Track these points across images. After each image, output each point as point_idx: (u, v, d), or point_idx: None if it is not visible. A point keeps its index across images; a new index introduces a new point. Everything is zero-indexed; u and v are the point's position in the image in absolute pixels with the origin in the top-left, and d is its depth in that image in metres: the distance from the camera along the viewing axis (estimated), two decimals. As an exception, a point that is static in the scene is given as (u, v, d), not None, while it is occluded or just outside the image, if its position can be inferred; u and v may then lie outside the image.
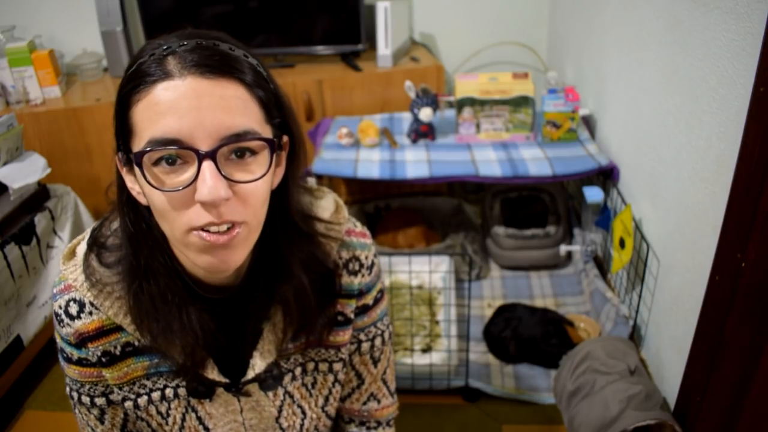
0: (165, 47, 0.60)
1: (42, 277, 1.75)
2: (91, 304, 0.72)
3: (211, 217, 0.60)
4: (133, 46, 2.33)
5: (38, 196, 1.78)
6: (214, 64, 0.59)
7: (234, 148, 0.60)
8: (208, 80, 0.59)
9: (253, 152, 0.62)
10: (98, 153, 2.16)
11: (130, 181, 0.66)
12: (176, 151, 0.59)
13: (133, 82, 0.60)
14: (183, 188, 0.59)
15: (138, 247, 0.68)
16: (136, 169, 0.61)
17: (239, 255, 0.65)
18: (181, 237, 0.62)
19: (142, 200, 0.66)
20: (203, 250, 0.63)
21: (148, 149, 0.58)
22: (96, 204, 2.08)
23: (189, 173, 0.60)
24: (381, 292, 0.87)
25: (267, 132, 0.64)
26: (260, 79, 0.64)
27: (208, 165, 0.58)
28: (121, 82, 0.62)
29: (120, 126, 0.63)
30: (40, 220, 1.74)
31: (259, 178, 0.62)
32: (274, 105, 0.66)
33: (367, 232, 0.84)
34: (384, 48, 2.24)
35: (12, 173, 1.67)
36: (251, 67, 0.63)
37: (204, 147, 0.58)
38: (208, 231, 0.62)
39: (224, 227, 0.62)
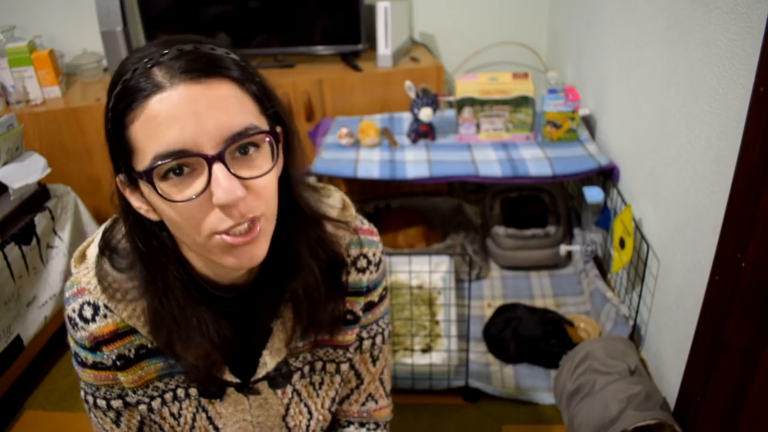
0: (147, 59, 0.59)
1: (42, 277, 1.75)
2: (105, 306, 0.72)
3: (233, 220, 0.61)
4: (133, 46, 2.33)
5: (38, 196, 1.78)
6: (201, 68, 0.59)
7: (238, 145, 0.61)
8: (199, 84, 0.58)
9: (256, 146, 0.62)
10: (98, 153, 2.16)
11: (136, 201, 0.65)
12: (185, 160, 0.59)
13: (125, 101, 0.59)
14: (197, 196, 0.59)
15: (152, 265, 0.68)
16: (144, 187, 0.61)
17: (263, 248, 0.65)
18: (204, 243, 0.63)
19: (153, 216, 0.66)
20: (227, 252, 0.63)
21: (157, 164, 0.58)
22: (96, 204, 2.08)
23: (200, 180, 0.60)
24: (386, 289, 0.88)
25: (264, 124, 0.64)
26: (247, 73, 0.64)
27: (219, 168, 0.58)
28: (110, 103, 0.61)
29: (117, 147, 0.62)
30: (40, 220, 1.74)
31: (267, 172, 0.63)
32: (265, 96, 0.66)
33: (374, 229, 0.86)
34: (384, 48, 2.24)
35: (12, 173, 1.67)
36: (236, 63, 0.63)
37: (210, 151, 0.58)
38: (230, 234, 0.62)
39: (245, 227, 0.62)
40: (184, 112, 0.57)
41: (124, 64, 0.62)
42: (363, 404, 0.92)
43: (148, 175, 0.59)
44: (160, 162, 0.58)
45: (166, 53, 0.59)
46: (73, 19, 2.41)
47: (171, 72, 0.58)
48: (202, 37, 0.64)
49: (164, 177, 0.59)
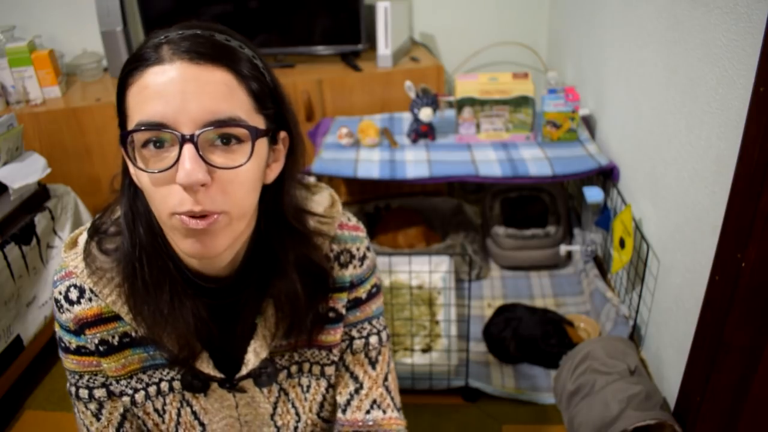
0: (164, 36, 0.62)
1: (42, 277, 1.75)
2: (91, 290, 0.73)
3: (191, 205, 0.61)
4: (132, 46, 2.33)
5: (38, 196, 1.78)
6: (203, 51, 0.60)
7: (218, 133, 0.61)
8: (196, 66, 0.60)
9: (240, 140, 0.62)
10: (98, 153, 2.16)
11: (132, 167, 0.67)
12: (158, 133, 0.60)
13: (130, 66, 0.62)
14: (163, 170, 0.60)
15: (134, 228, 0.69)
16: (129, 150, 0.62)
17: (221, 241, 0.64)
18: (165, 220, 0.64)
19: None
20: (186, 234, 0.63)
21: (135, 129, 0.60)
22: (96, 204, 2.08)
23: (172, 157, 0.60)
24: (376, 287, 0.86)
25: (257, 121, 0.64)
26: (254, 70, 0.64)
27: (188, 148, 0.59)
28: (122, 67, 0.64)
29: (119, 110, 0.64)
30: (40, 220, 1.74)
31: (239, 166, 0.62)
32: (268, 96, 0.66)
33: (361, 226, 0.85)
34: (384, 48, 2.24)
35: (12, 173, 1.67)
36: (246, 58, 0.64)
37: (186, 131, 0.59)
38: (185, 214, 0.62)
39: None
40: (173, 88, 0.59)
41: (148, 36, 0.64)
42: (368, 412, 0.86)
43: (124, 138, 0.62)
44: (140, 129, 0.60)
45: (182, 33, 0.62)
46: (73, 19, 2.41)
47: (175, 49, 0.60)
48: (227, 29, 0.66)
49: (144, 145, 0.61)
